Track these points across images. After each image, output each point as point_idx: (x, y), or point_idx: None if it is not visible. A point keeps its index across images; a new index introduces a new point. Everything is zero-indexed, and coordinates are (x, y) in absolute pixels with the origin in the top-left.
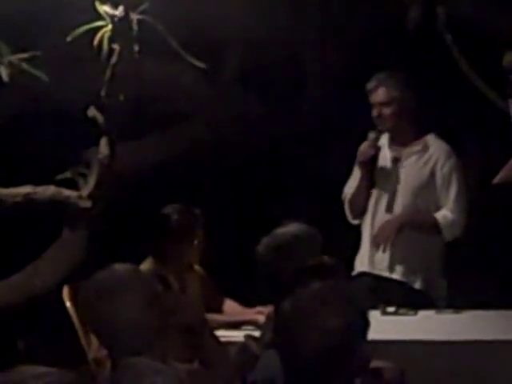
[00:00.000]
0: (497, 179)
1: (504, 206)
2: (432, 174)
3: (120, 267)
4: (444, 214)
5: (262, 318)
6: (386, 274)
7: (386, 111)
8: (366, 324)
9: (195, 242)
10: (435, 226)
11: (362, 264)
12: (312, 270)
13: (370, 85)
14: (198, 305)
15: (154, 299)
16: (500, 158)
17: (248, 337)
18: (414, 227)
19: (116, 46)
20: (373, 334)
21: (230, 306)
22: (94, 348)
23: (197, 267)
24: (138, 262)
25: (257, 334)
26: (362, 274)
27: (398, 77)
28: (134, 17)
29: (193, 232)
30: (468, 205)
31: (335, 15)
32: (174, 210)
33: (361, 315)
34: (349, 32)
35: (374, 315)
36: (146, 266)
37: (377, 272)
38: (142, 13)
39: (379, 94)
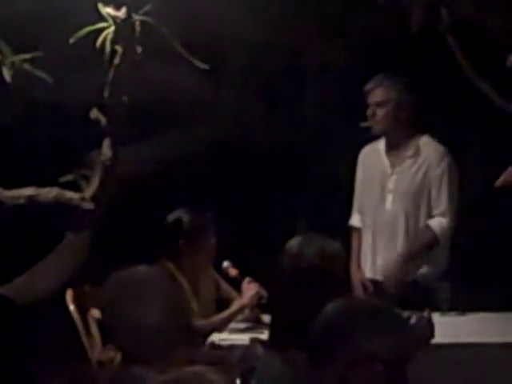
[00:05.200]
0: (498, 183)
1: (508, 209)
2: (425, 177)
3: (146, 268)
4: (439, 222)
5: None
6: None
7: (380, 112)
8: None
9: (209, 242)
10: (434, 238)
11: (364, 269)
12: (306, 272)
13: (369, 86)
14: (210, 308)
15: (174, 303)
16: (503, 161)
17: (253, 339)
18: (417, 255)
19: (119, 48)
20: None
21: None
22: (96, 351)
23: (210, 269)
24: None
25: (263, 336)
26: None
27: (395, 78)
28: (137, 18)
29: (206, 233)
30: (470, 207)
31: (336, 16)
32: (186, 212)
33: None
34: (349, 33)
35: None
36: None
37: (379, 278)
38: (144, 14)
39: (376, 94)
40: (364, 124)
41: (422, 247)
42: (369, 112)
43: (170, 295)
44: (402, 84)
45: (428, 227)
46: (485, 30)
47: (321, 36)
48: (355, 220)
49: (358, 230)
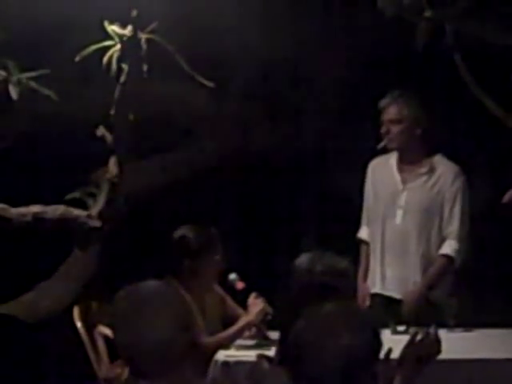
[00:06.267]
0: (506, 198)
1: None
2: (439, 194)
3: (156, 283)
4: (451, 245)
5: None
6: (397, 295)
7: (395, 129)
8: (378, 344)
9: (214, 259)
10: (451, 262)
11: (372, 284)
12: (315, 289)
13: (383, 102)
14: (216, 325)
15: (184, 318)
16: (510, 177)
17: (260, 356)
18: (438, 282)
19: (125, 66)
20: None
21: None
22: (104, 368)
23: (216, 287)
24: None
25: (270, 353)
26: (374, 295)
27: (410, 96)
28: (143, 36)
29: (211, 250)
30: (476, 224)
31: (340, 33)
32: (191, 229)
33: (373, 335)
34: (354, 51)
35: (385, 334)
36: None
37: (388, 294)
38: (150, 32)
39: (390, 112)
40: (380, 145)
41: (441, 274)
42: (383, 129)
43: (180, 310)
44: (417, 101)
45: (443, 254)
46: (489, 47)
47: (326, 50)
48: (364, 233)
49: (367, 243)
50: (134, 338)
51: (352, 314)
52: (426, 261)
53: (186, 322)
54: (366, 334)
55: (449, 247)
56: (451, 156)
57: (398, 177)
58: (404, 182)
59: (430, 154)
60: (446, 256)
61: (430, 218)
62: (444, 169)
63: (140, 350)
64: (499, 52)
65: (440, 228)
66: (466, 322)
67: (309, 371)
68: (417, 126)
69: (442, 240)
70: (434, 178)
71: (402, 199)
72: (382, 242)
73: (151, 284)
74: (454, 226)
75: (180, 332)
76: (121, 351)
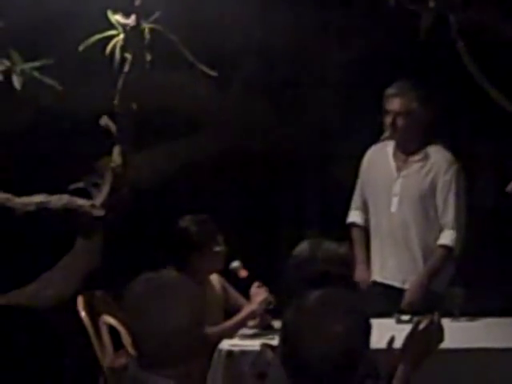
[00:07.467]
0: (510, 188)
1: None
2: (433, 182)
3: (175, 273)
4: (449, 235)
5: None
6: (397, 284)
7: (401, 122)
8: (367, 329)
9: (215, 250)
10: (450, 252)
11: (372, 272)
12: (315, 279)
13: (390, 91)
14: (219, 316)
15: (201, 309)
16: None
17: (264, 345)
18: (439, 272)
19: (128, 55)
20: None
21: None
22: (108, 357)
23: (218, 277)
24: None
25: (273, 342)
26: (374, 284)
27: (418, 89)
28: (146, 26)
29: (213, 241)
30: (481, 213)
31: (344, 26)
32: (192, 221)
33: (362, 320)
34: (358, 42)
35: (390, 324)
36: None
37: (388, 282)
38: (153, 22)
39: (397, 103)
40: (384, 136)
41: (441, 264)
42: (388, 119)
43: (198, 303)
44: (423, 94)
45: (441, 245)
46: (493, 37)
47: (329, 44)
48: (356, 217)
49: (359, 226)
50: (151, 327)
51: (340, 299)
52: (426, 249)
53: (202, 315)
54: (355, 319)
55: (446, 237)
56: (454, 146)
57: (393, 164)
58: (398, 169)
59: (428, 143)
60: (444, 246)
61: (425, 206)
62: (438, 157)
63: (156, 339)
64: (503, 41)
65: (436, 216)
66: (471, 312)
67: (300, 356)
68: (422, 119)
69: (440, 229)
70: (427, 166)
71: (397, 187)
72: (380, 231)
73: (170, 274)
74: (449, 216)
75: (196, 325)
76: (133, 338)
